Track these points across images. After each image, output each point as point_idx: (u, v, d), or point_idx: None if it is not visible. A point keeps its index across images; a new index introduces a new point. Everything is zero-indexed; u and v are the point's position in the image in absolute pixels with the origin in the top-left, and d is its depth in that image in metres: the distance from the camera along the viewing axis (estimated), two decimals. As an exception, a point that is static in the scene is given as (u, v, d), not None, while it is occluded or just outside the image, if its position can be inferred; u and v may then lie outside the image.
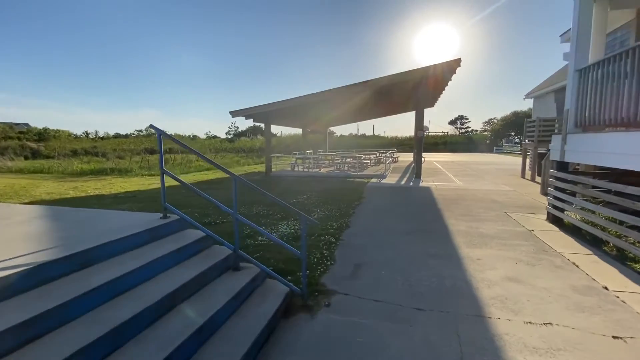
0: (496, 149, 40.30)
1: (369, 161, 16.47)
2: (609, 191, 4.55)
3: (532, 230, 5.05)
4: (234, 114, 13.27)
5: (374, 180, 11.71)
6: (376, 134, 68.77)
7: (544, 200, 7.34)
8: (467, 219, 5.84)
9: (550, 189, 5.52)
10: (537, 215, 6.00)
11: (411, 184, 10.64)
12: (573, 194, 5.24)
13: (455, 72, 11.38)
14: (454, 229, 5.22)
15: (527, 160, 12.24)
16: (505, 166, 17.29)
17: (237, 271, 2.86)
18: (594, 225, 4.56)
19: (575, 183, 5.06)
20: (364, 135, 64.82)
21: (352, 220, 5.74)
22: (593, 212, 4.90)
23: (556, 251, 4.13)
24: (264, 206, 6.93)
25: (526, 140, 11.81)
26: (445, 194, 8.51)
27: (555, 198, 5.37)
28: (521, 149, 39.35)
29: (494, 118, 54.25)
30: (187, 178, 13.49)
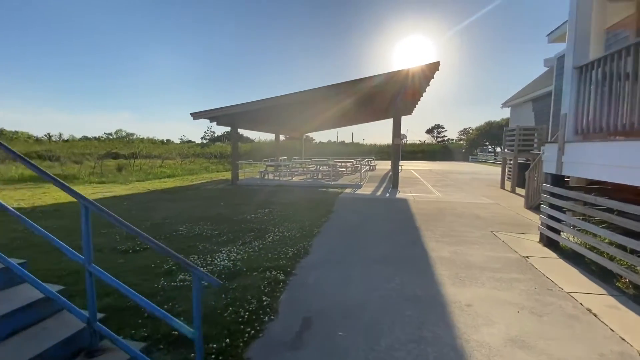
0: (472, 158, 40.88)
1: (344, 169, 15.59)
2: (609, 210, 3.79)
3: (527, 257, 4.22)
4: (196, 115, 11.99)
5: (348, 190, 10.78)
6: (355, 141, 68.75)
7: (530, 216, 6.64)
8: (449, 240, 4.96)
9: (544, 206, 4.74)
10: (527, 236, 5.22)
11: (387, 195, 9.78)
12: (564, 210, 4.48)
13: (433, 77, 10.76)
14: (435, 255, 4.30)
15: (507, 170, 11.77)
16: (482, 176, 16.95)
17: (90, 359, 1.73)
18: (599, 252, 3.77)
19: (574, 200, 4.30)
20: (343, 143, 64.47)
21: (315, 244, 4.70)
22: (594, 235, 4.15)
23: (563, 290, 3.27)
24: (211, 224, 5.76)
25: (505, 150, 11.33)
26: (424, 207, 7.67)
27: (550, 217, 4.59)
28: (496, 159, 40.06)
29: (469, 127, 55.50)
30: (141, 186, 12.01)
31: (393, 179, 11.50)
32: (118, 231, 5.14)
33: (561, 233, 4.50)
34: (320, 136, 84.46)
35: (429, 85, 12.02)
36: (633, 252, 3.33)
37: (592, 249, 3.91)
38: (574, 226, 4.30)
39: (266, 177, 14.09)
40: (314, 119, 17.02)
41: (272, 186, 11.90)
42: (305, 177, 14.46)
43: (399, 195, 9.74)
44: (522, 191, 10.55)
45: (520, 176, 10.99)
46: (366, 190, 10.85)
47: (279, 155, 17.90)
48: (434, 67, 9.79)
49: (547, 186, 4.65)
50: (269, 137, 40.91)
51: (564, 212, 4.46)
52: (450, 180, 14.15)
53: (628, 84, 3.32)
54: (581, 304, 2.98)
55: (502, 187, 11.48)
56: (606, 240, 3.85)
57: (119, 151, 36.45)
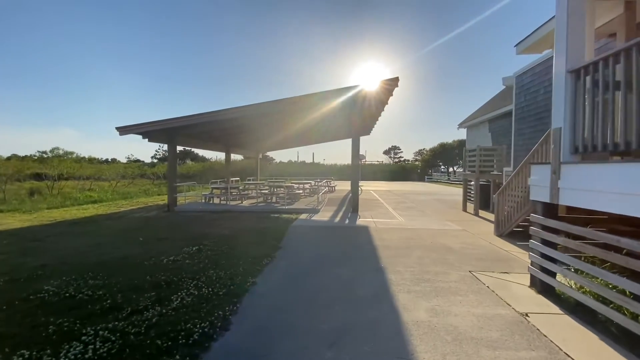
0: (427, 178, 42.09)
1: (301, 191, 14.33)
2: (614, 248, 2.94)
3: (526, 314, 3.19)
4: (122, 130, 10.09)
5: (303, 216, 9.48)
6: (316, 161, 68.44)
7: (506, 247, 5.83)
8: (423, 289, 3.83)
9: (534, 242, 3.84)
10: (513, 277, 4.28)
11: (347, 221, 8.64)
12: (555, 245, 3.61)
13: (392, 94, 10.15)
14: (409, 317, 3.10)
15: (467, 192, 11.34)
16: (441, 196, 16.71)
17: None
18: (617, 307, 2.85)
19: (574, 237, 3.41)
20: (303, 163, 63.77)
21: (241, 310, 3.27)
22: (596, 278, 3.28)
23: (599, 382, 2.21)
24: (103, 275, 4.06)
25: (467, 171, 10.93)
26: (387, 238, 6.60)
27: (543, 256, 3.68)
28: (449, 178, 41.56)
29: (424, 149, 57.96)
30: (50, 215, 9.61)
31: (353, 202, 10.46)
32: None
33: (557, 276, 3.60)
34: (281, 156, 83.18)
35: (387, 103, 11.46)
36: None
37: (603, 300, 2.99)
38: (570, 267, 3.42)
39: (212, 202, 12.32)
40: (266, 138, 15.75)
41: (215, 212, 10.21)
42: (257, 201, 12.93)
43: (359, 221, 8.64)
44: (486, 214, 10.07)
45: (482, 198, 10.57)
46: (324, 215, 9.64)
47: (230, 176, 16.19)
48: (393, 82, 9.15)
49: (538, 217, 3.76)
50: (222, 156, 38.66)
51: (556, 249, 3.58)
52: (411, 202, 13.52)
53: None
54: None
55: (465, 209, 10.97)
56: (615, 289, 2.96)
57: (47, 172, 31.75)
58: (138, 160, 60.97)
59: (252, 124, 11.82)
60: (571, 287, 3.45)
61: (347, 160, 56.26)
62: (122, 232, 7.26)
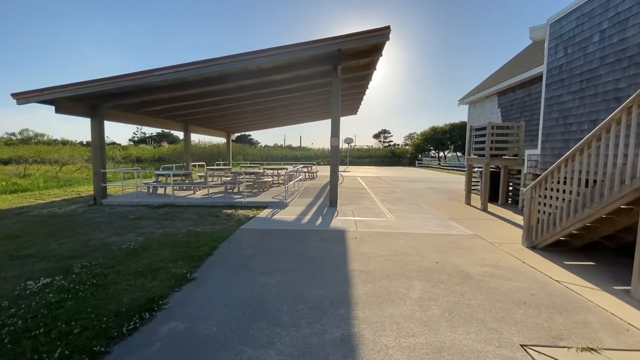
0: (418, 163, 40.23)
1: (272, 179, 12.01)
2: None
3: None
4: (20, 97, 7.46)
5: (264, 212, 7.23)
6: (304, 145, 65.66)
7: (555, 273, 3.69)
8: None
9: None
10: (601, 358, 2.17)
11: (318, 222, 6.43)
12: None
13: (381, 53, 7.78)
14: None
15: (466, 180, 9.25)
16: (435, 184, 14.68)
17: None
18: None
19: None
20: (290, 147, 60.86)
21: None
22: None
23: None
24: None
25: (472, 154, 8.79)
26: (370, 253, 4.42)
27: None
28: (440, 163, 39.74)
29: (414, 133, 55.88)
30: None
31: (330, 194, 8.24)
32: None
33: None
34: (266, 139, 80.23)
35: (375, 68, 9.08)
36: None
37: None
38: None
39: (158, 192, 9.92)
40: (233, 115, 13.18)
41: (152, 207, 7.85)
42: (215, 192, 10.58)
43: (336, 221, 6.44)
44: (496, 209, 8.00)
45: (492, 189, 8.52)
46: (292, 212, 7.40)
47: (191, 160, 13.68)
48: (382, 34, 6.75)
49: None
50: (216, 138, 35.81)
51: None
52: (402, 192, 11.40)
53: None
54: None
55: (468, 201, 8.90)
56: None
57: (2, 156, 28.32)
58: (114, 143, 57.14)
59: (208, 92, 9.30)
60: None
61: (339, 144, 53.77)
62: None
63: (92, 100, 8.20)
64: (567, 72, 5.63)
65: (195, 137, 40.94)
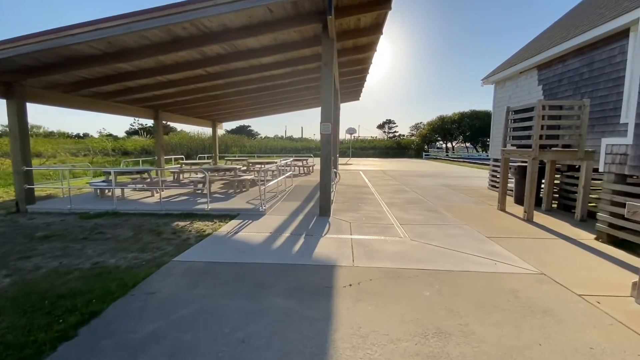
0: (425, 155, 37.92)
1: (252, 176, 9.94)
2: None
3: None
4: None
5: (228, 226, 5.22)
6: (305, 136, 63.14)
7: None
8: None
9: None
10: None
11: (299, 244, 4.39)
12: None
13: (382, 31, 5.61)
14: None
15: (501, 180, 7.12)
16: (450, 179, 12.54)
17: None
18: None
19: None
20: (290, 138, 58.48)
21: None
22: None
23: None
24: None
25: (509, 145, 6.67)
26: (376, 331, 2.38)
27: None
28: (448, 155, 37.37)
29: (421, 123, 53.28)
30: None
31: (321, 199, 6.19)
32: None
33: None
34: (267, 131, 78.03)
35: (375, 49, 6.90)
36: None
37: None
38: None
39: (107, 194, 7.93)
40: (213, 99, 11.05)
41: (86, 217, 5.86)
42: (181, 193, 8.58)
43: (323, 244, 4.40)
44: (545, 219, 5.72)
45: (521, 188, 6.42)
46: (265, 225, 5.37)
47: (163, 153, 11.65)
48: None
49: None
50: (209, 129, 33.89)
51: None
52: (413, 191, 9.32)
53: None
54: None
55: (502, 207, 6.81)
56: None
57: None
58: (110, 135, 55.38)
59: (167, 66, 7.21)
60: None
61: (341, 135, 51.70)
62: None
63: (4, 75, 6.16)
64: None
65: (188, 128, 38.94)
